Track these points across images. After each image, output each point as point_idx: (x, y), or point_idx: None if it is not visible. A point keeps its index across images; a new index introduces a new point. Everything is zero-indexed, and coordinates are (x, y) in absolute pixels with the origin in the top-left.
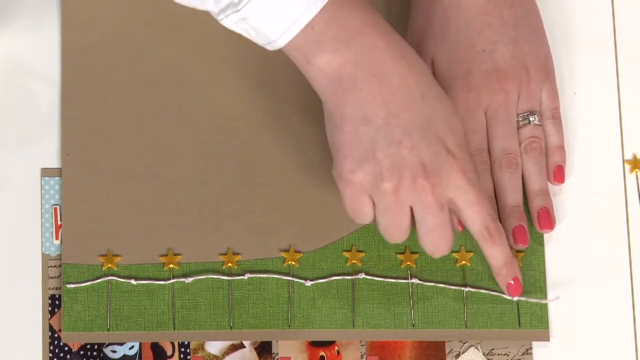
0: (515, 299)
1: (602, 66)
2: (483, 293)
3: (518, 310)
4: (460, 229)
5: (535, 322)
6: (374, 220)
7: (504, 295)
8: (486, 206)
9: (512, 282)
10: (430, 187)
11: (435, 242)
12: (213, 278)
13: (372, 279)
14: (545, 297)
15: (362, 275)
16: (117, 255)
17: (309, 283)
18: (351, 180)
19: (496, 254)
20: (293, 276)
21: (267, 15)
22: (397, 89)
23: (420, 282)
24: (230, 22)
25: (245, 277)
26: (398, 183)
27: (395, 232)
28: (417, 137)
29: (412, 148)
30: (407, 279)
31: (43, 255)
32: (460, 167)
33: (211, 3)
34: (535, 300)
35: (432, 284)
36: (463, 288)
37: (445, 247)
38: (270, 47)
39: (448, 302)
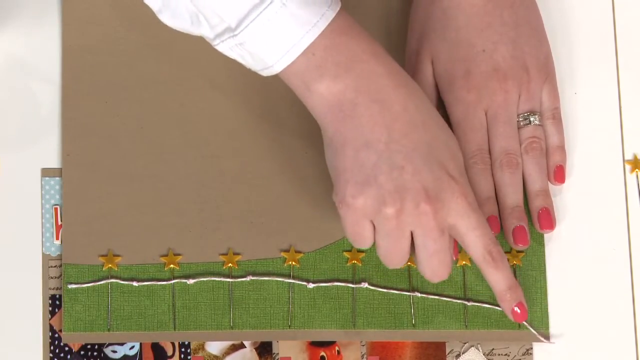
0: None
1: (602, 66)
2: (483, 295)
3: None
4: (455, 257)
5: (536, 323)
6: (373, 244)
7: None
8: (487, 230)
9: (517, 309)
10: (433, 212)
11: (435, 267)
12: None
13: (374, 289)
14: (546, 296)
15: (364, 285)
16: (118, 256)
17: (311, 285)
18: (353, 205)
19: (499, 278)
20: (294, 277)
21: (265, 40)
22: (398, 115)
23: (423, 295)
24: (225, 47)
25: (248, 279)
26: (400, 207)
27: (395, 257)
28: (419, 162)
29: (414, 173)
30: (409, 291)
31: (43, 255)
32: (461, 192)
33: (207, 28)
34: (538, 336)
35: (436, 297)
36: (466, 302)
37: (445, 273)
38: (265, 73)
39: (448, 302)
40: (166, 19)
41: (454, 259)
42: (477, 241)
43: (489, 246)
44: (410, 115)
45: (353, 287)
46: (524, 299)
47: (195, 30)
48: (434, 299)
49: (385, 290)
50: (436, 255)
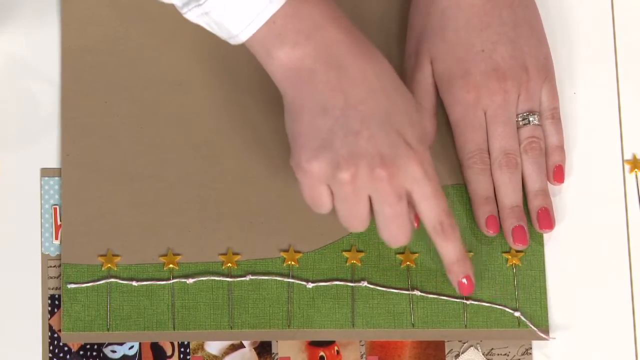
0: (518, 313)
1: (601, 66)
2: (483, 296)
3: (518, 309)
4: (416, 226)
5: (535, 322)
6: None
7: (505, 295)
8: (441, 201)
9: (464, 280)
10: (388, 176)
11: (394, 232)
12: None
13: (373, 287)
14: (545, 296)
15: (364, 284)
16: (117, 255)
17: (310, 285)
18: (308, 170)
19: (449, 250)
20: (293, 277)
21: (229, 10)
22: (356, 81)
23: (422, 294)
24: (193, 15)
25: (247, 278)
26: (355, 172)
27: (354, 220)
28: (375, 128)
29: (369, 138)
30: (408, 290)
31: (43, 255)
32: (418, 160)
33: None
34: (535, 328)
35: (435, 296)
36: (465, 302)
37: (404, 238)
38: (232, 42)
39: (448, 301)
40: None
41: (416, 227)
42: (429, 210)
43: (441, 216)
44: (368, 81)
45: (352, 286)
46: (472, 272)
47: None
48: (433, 298)
49: (384, 289)
50: (393, 220)
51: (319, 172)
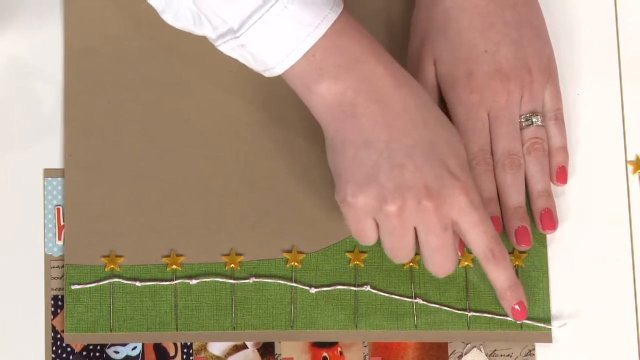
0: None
1: (605, 67)
2: (486, 297)
3: None
4: (460, 253)
5: (538, 323)
6: (379, 241)
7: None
8: (490, 228)
9: (517, 307)
10: (434, 208)
11: (440, 262)
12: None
13: (376, 293)
14: (548, 297)
15: (367, 288)
16: (120, 256)
17: (313, 290)
18: (354, 204)
19: (500, 276)
20: (296, 278)
21: (267, 42)
22: (398, 114)
23: (425, 302)
24: (227, 47)
25: (251, 280)
26: (402, 205)
27: (400, 253)
28: (420, 160)
29: (414, 171)
30: (412, 297)
31: (46, 255)
32: (463, 189)
33: (209, 29)
34: (542, 325)
35: (437, 306)
36: (466, 313)
37: (449, 267)
38: (267, 74)
39: (451, 302)
40: (169, 19)
41: (460, 255)
42: (478, 238)
43: (491, 244)
44: (410, 114)
45: (355, 291)
46: (525, 297)
47: (197, 31)
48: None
49: (387, 295)
50: (439, 251)
51: (364, 206)
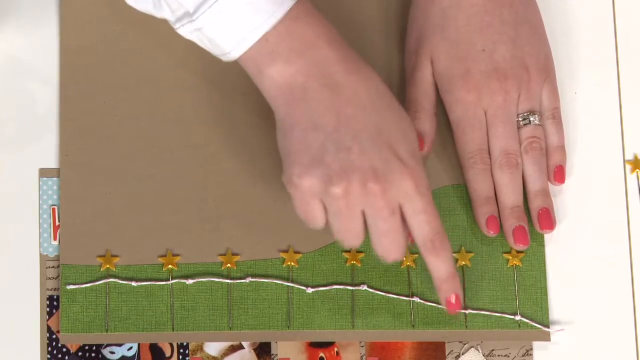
0: (519, 317)
1: (602, 65)
2: (483, 297)
3: (518, 310)
4: (411, 241)
5: (536, 323)
6: (327, 224)
7: (505, 296)
8: (433, 217)
9: (452, 299)
10: (380, 191)
11: (387, 247)
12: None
13: (373, 292)
14: (546, 296)
15: (364, 287)
16: (116, 256)
17: (310, 290)
18: (299, 185)
19: (439, 267)
20: (293, 278)
21: (222, 27)
22: (348, 100)
23: (422, 301)
24: (185, 31)
25: (247, 280)
26: (347, 187)
27: (348, 235)
28: (367, 143)
29: (361, 153)
30: (409, 296)
31: (41, 255)
32: (410, 174)
33: (168, 12)
34: (539, 326)
35: (434, 304)
36: (464, 311)
37: (397, 253)
38: (224, 59)
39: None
40: (131, 1)
41: (409, 242)
42: (420, 226)
43: (432, 234)
44: (360, 99)
45: (352, 290)
46: (461, 291)
47: (157, 14)
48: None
49: (384, 294)
50: (387, 236)
51: (310, 187)
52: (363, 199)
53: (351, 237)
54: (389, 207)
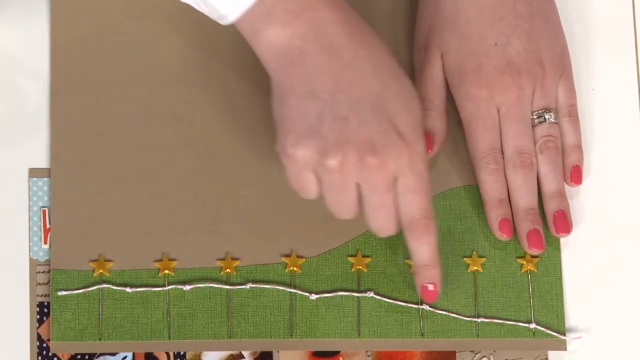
0: (533, 325)
1: (621, 60)
2: (496, 304)
3: (533, 318)
4: None
5: (551, 330)
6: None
7: (519, 303)
8: (422, 197)
9: (430, 287)
10: (377, 165)
11: (381, 222)
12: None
13: (380, 299)
14: (562, 303)
15: (370, 294)
16: (109, 261)
17: (314, 297)
18: (293, 156)
19: (421, 251)
20: (296, 284)
21: None
22: (347, 64)
23: (431, 309)
24: None
25: (247, 286)
26: (343, 159)
27: (341, 208)
28: (366, 113)
29: (359, 124)
30: (418, 304)
31: (31, 260)
32: (407, 149)
33: None
34: (555, 334)
35: (444, 312)
36: (475, 319)
37: (391, 228)
38: (222, 22)
39: (459, 309)
40: None
41: None
42: (407, 204)
43: (418, 214)
44: (360, 64)
45: (358, 297)
46: (440, 281)
47: None
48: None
49: (391, 301)
50: (381, 211)
51: (304, 158)
52: (358, 172)
53: (344, 210)
54: (385, 182)
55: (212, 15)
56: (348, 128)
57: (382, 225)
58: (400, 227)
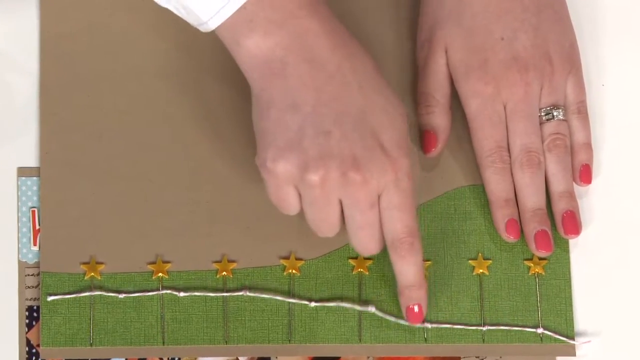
0: (541, 330)
1: (632, 56)
2: (503, 308)
3: (541, 323)
4: None
5: (560, 335)
6: (301, 211)
7: (527, 307)
8: (407, 215)
9: (415, 308)
10: (360, 182)
11: (364, 241)
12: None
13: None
14: (571, 307)
15: (372, 309)
16: (101, 263)
17: (313, 304)
18: (273, 170)
19: (405, 272)
20: (295, 288)
21: None
22: (330, 76)
23: (435, 325)
24: None
25: (243, 293)
26: (325, 175)
27: (323, 225)
28: (348, 128)
29: (341, 139)
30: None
31: (20, 262)
32: (392, 166)
33: None
34: (564, 339)
35: (448, 325)
36: (481, 327)
37: (374, 248)
38: (202, 29)
39: (464, 314)
40: None
41: None
42: (391, 222)
43: (403, 232)
44: (344, 77)
45: (360, 310)
46: (426, 301)
47: None
48: (447, 311)
49: (394, 319)
50: (365, 229)
51: (285, 172)
52: (341, 188)
53: (326, 228)
54: (368, 199)
55: (192, 21)
56: (330, 142)
57: (366, 244)
58: (384, 246)
